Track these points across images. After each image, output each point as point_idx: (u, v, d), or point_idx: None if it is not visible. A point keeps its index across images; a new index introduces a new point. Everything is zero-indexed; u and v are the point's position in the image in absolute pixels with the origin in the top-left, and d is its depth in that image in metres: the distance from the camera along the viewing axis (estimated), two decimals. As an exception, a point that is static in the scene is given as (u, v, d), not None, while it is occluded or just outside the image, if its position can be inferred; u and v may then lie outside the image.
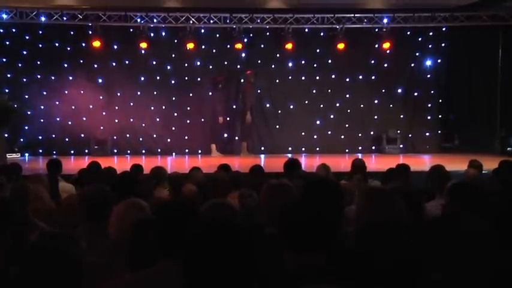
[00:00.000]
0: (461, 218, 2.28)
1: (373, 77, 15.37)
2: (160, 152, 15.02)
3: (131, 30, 14.30)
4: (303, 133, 15.42)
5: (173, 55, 15.02)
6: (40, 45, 14.49)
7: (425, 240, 2.25)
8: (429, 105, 15.78)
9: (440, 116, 15.76)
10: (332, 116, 15.50)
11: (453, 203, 3.63)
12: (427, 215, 3.45)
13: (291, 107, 15.45)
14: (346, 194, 3.66)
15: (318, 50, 15.14)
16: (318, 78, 15.33)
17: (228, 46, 14.70)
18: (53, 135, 14.70)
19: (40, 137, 14.64)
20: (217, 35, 14.98)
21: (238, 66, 15.33)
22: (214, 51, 15.11)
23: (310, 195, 3.27)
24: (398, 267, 2.28)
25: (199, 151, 15.09)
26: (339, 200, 3.23)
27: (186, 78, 15.11)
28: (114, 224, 3.02)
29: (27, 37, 14.50)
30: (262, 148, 15.45)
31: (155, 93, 15.06)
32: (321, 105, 15.40)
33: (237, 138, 15.38)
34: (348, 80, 15.42)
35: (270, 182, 3.49)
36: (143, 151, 14.97)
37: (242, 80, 15.25)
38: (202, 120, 15.16)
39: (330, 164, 6.75)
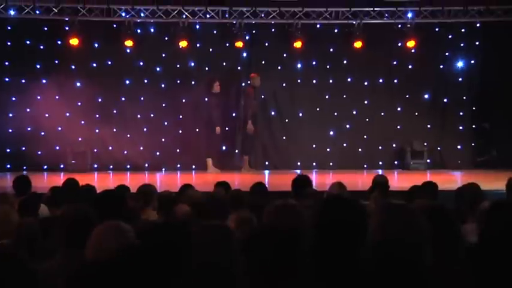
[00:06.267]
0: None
1: (395, 81, 15.43)
2: (148, 167, 15.02)
3: (115, 25, 14.40)
4: (314, 145, 15.43)
5: (163, 55, 15.07)
6: (8, 43, 14.56)
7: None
8: (461, 113, 15.76)
9: (474, 126, 15.74)
10: (348, 126, 15.51)
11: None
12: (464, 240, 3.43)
13: (300, 115, 15.49)
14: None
15: (331, 49, 15.21)
16: (331, 81, 15.38)
17: (227, 44, 14.80)
18: (23, 148, 14.70)
19: (8, 150, 14.65)
20: (215, 32, 15.08)
21: (239, 68, 15.41)
22: (210, 50, 15.17)
23: (328, 216, 3.28)
24: None
25: (193, 166, 15.12)
26: (362, 221, 3.23)
27: (178, 81, 15.19)
28: (92, 249, 3.05)
29: (-7, 34, 14.61)
30: (267, 163, 15.48)
31: (142, 98, 15.10)
32: (335, 113, 15.44)
33: (237, 151, 15.42)
34: (366, 83, 15.46)
35: (275, 203, 3.51)
36: (128, 166, 15.00)
37: (243, 84, 15.31)
38: (197, 130, 15.18)
39: (345, 182, 6.76)
